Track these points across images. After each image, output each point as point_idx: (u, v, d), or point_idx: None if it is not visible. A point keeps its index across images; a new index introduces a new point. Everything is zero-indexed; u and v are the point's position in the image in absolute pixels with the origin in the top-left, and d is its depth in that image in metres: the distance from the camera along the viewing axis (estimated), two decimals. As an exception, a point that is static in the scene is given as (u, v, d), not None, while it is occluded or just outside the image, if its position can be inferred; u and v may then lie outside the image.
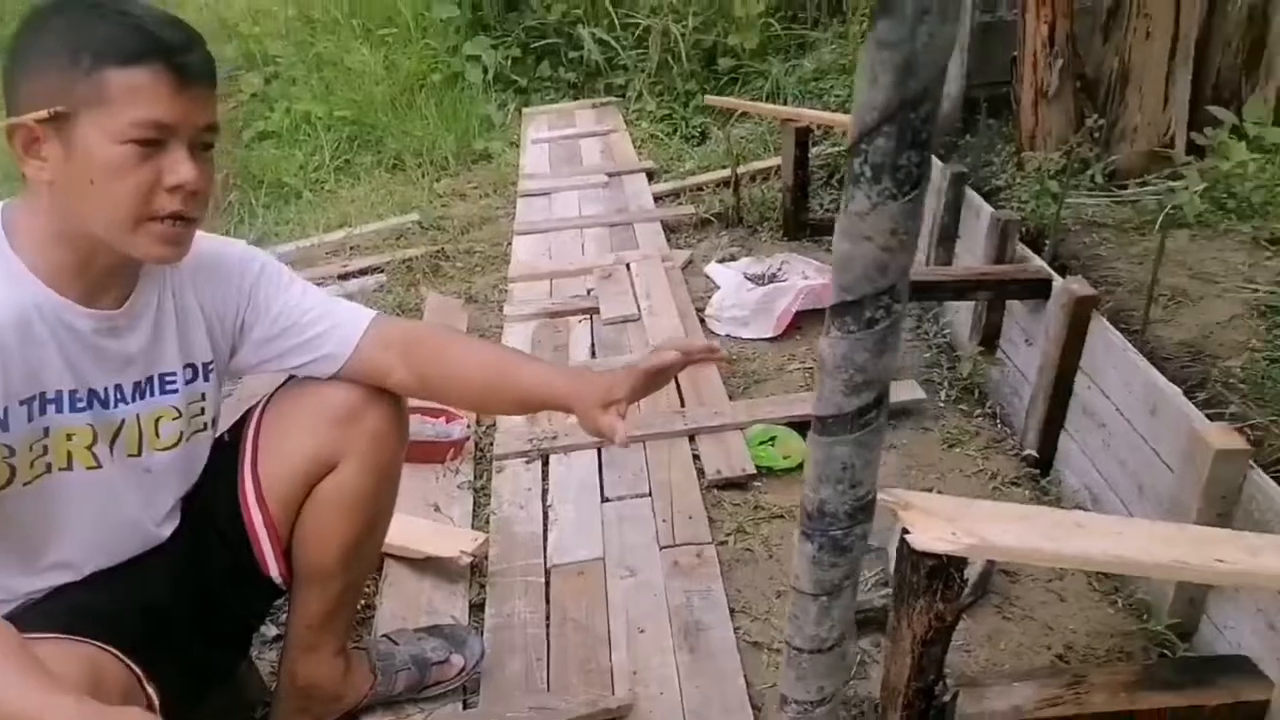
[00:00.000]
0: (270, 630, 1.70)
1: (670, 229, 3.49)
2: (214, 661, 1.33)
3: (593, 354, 2.67)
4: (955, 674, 1.29)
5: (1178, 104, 2.74)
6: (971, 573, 1.60)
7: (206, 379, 1.23)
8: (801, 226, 3.33)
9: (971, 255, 2.50)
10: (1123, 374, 1.79)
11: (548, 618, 1.72)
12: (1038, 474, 2.02)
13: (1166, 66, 2.73)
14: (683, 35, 4.70)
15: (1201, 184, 2.43)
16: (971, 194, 2.58)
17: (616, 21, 4.93)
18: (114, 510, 1.17)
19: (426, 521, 1.96)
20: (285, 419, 1.29)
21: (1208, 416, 1.59)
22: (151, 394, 1.17)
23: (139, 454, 1.17)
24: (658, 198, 3.78)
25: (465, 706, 1.55)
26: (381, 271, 3.30)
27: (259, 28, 5.42)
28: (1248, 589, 1.43)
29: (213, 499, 1.28)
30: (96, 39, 0.97)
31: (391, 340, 1.28)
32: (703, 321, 2.78)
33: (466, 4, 5.13)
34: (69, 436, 1.09)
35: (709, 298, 2.88)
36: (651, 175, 4.02)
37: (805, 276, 2.84)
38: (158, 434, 1.18)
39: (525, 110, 4.89)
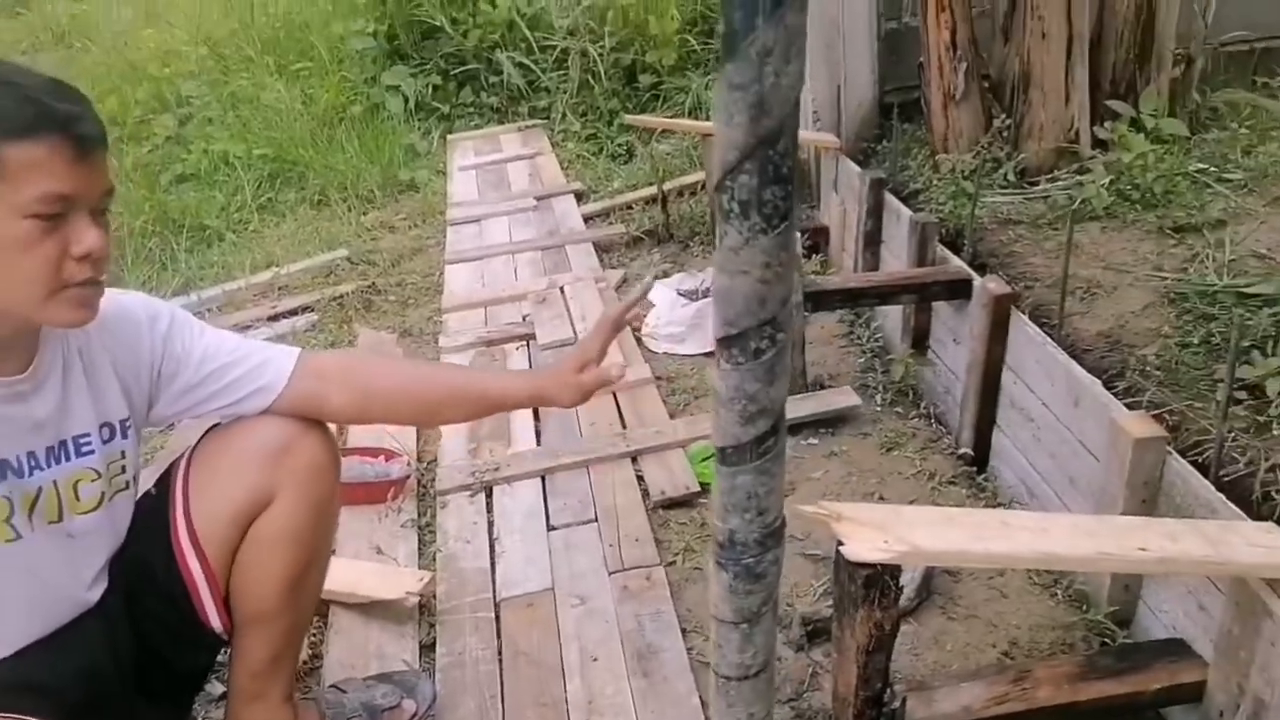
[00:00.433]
0: (216, 688, 1.66)
1: (602, 249, 3.50)
2: None
3: (531, 381, 2.66)
4: (905, 678, 1.32)
5: (1078, 100, 2.83)
6: (914, 576, 1.64)
7: (124, 436, 1.20)
8: (731, 239, 3.37)
9: (895, 258, 2.56)
10: (1045, 368, 1.84)
11: (499, 653, 1.71)
12: (974, 471, 2.07)
13: (1064, 64, 2.83)
14: (601, 55, 4.73)
15: (1106, 177, 2.52)
16: (891, 198, 2.64)
17: (535, 44, 4.94)
18: (39, 580, 1.13)
19: (370, 564, 1.93)
20: (214, 462, 1.27)
21: (1127, 405, 1.65)
22: (67, 458, 1.14)
23: (60, 520, 1.14)
24: (588, 218, 3.80)
25: (420, 751, 1.53)
26: (312, 310, 3.25)
27: (169, 68, 5.31)
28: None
29: (146, 554, 1.25)
30: None
31: (325, 369, 1.29)
32: (639, 340, 2.80)
33: (382, 34, 5.09)
34: None
35: (644, 316, 2.89)
36: (580, 196, 4.03)
37: (737, 289, 2.87)
38: (78, 497, 1.16)
39: (450, 137, 4.87)
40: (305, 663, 1.65)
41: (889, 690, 1.27)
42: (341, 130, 4.71)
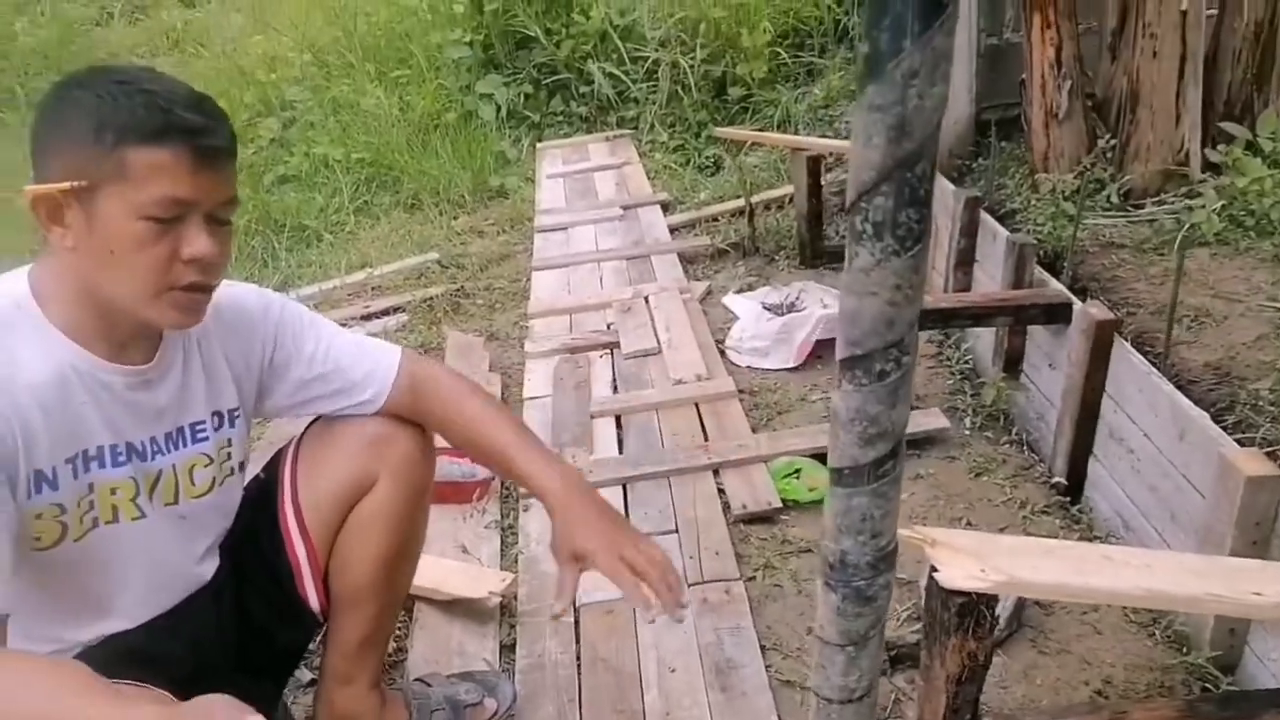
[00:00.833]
0: (305, 675, 1.72)
1: (687, 260, 3.51)
2: (255, 696, 1.35)
3: (614, 389, 2.69)
4: (992, 711, 1.28)
5: (1190, 121, 2.73)
6: (1005, 606, 1.59)
7: (232, 425, 1.26)
8: (818, 254, 3.35)
9: (990, 279, 2.50)
10: (1148, 398, 1.78)
11: (578, 657, 1.73)
12: (1068, 501, 2.00)
13: (1176, 84, 2.73)
14: (691, 67, 4.75)
15: (1219, 201, 2.43)
16: (987, 218, 2.58)
17: (625, 55, 4.99)
18: (158, 557, 1.20)
19: (455, 563, 1.97)
20: (321, 449, 1.34)
21: (1237, 441, 1.58)
22: (184, 444, 1.20)
23: (175, 502, 1.20)
24: (673, 229, 3.81)
25: (499, 749, 1.55)
26: (403, 311, 3.34)
27: (275, 74, 5.53)
28: (1286, 617, 1.41)
29: (254, 534, 1.32)
30: (120, 116, 1.00)
31: (420, 390, 1.34)
32: (723, 353, 2.79)
33: (478, 44, 5.21)
34: (113, 490, 1.12)
35: (728, 329, 2.89)
36: (666, 207, 4.05)
37: (824, 304, 2.85)
38: (192, 481, 1.22)
39: (539, 145, 4.95)
40: (391, 655, 1.70)
41: (978, 722, 1.24)
42: (436, 136, 4.83)
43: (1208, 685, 1.52)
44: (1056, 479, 2.04)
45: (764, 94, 4.65)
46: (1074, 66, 2.87)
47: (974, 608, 1.13)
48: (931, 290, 2.95)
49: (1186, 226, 2.39)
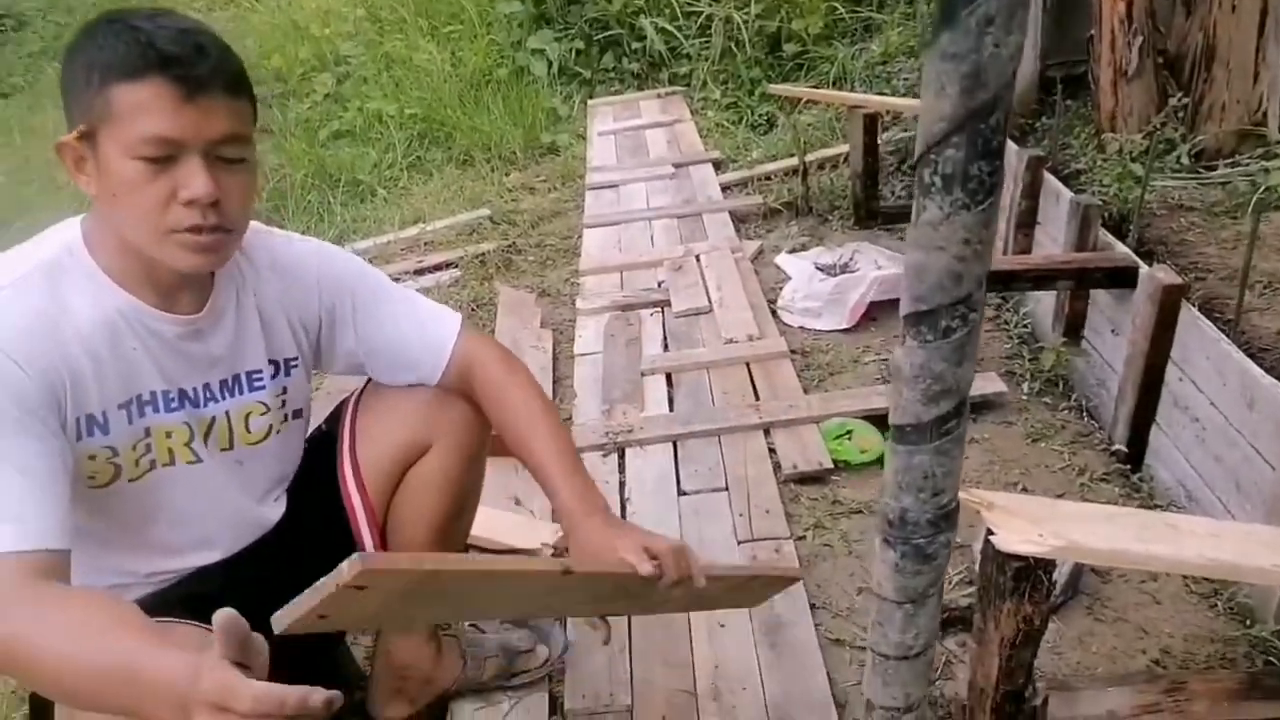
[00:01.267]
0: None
1: (739, 219, 3.48)
2: (313, 643, 1.40)
3: (665, 346, 2.69)
4: (1045, 677, 1.28)
5: (1269, 79, 2.62)
6: (1061, 572, 1.58)
7: (289, 374, 1.27)
8: (872, 214, 3.29)
9: (1052, 242, 2.44)
10: (1216, 365, 1.73)
11: (629, 611, 1.75)
12: (1128, 469, 1.97)
13: (1256, 40, 2.61)
14: (745, 22, 4.66)
15: (1297, 163, 2.33)
16: (1050, 178, 2.51)
17: (679, 10, 4.91)
18: (217, 500, 1.23)
19: (509, 513, 2.00)
20: (378, 406, 1.35)
21: (1309, 411, 1.53)
22: (240, 392, 1.22)
23: (230, 448, 1.22)
24: (725, 187, 3.77)
25: (551, 695, 1.59)
26: (455, 266, 3.36)
27: (329, 29, 5.54)
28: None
29: (315, 485, 1.35)
30: (104, 56, 0.99)
31: (470, 374, 1.33)
32: (774, 313, 2.78)
33: (530, -2, 5.17)
34: (168, 434, 1.15)
35: (780, 289, 2.87)
36: (718, 165, 4.00)
37: (878, 266, 2.81)
38: (248, 429, 1.23)
39: (590, 102, 4.91)
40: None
41: (1031, 687, 1.24)
42: (487, 92, 4.81)
43: (1271, 660, 1.49)
44: (1117, 446, 2.00)
45: (819, 50, 4.55)
46: (1145, 21, 2.76)
47: (1031, 572, 1.13)
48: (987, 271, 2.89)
49: (1262, 189, 2.30)
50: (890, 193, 3.47)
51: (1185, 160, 2.66)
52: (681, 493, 2.06)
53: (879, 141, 3.24)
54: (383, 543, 1.37)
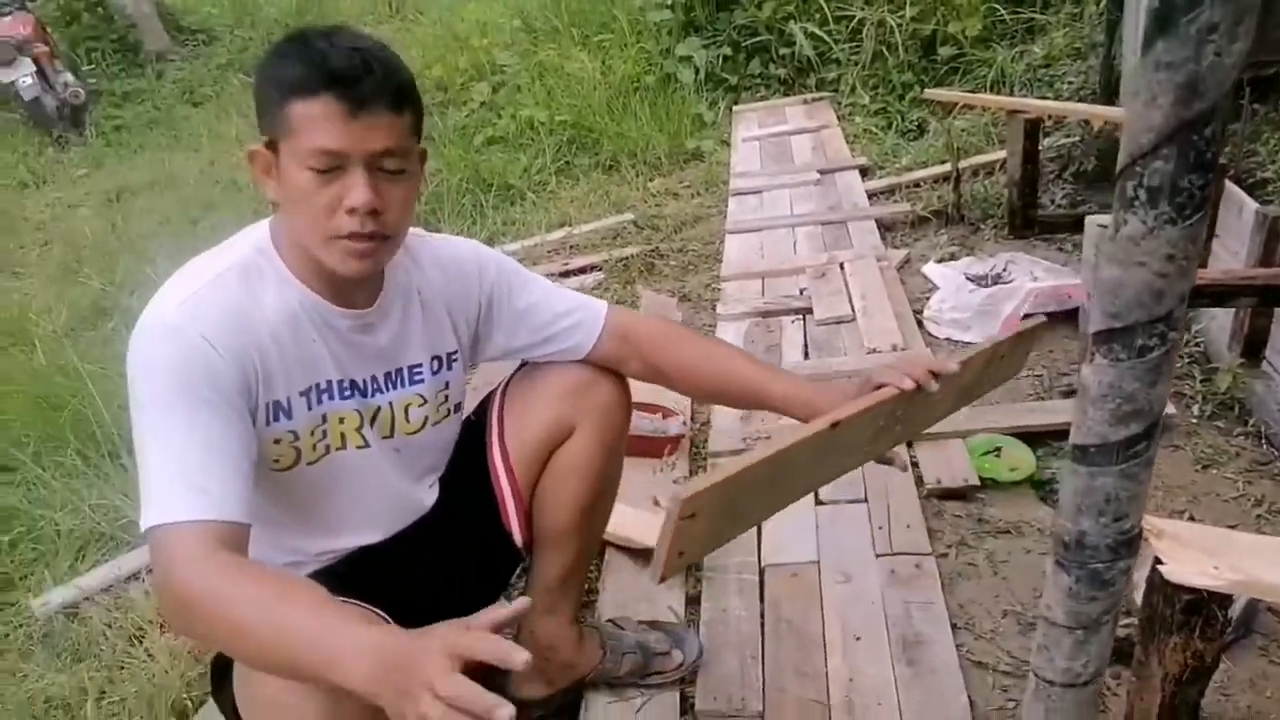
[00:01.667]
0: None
1: (885, 227, 3.41)
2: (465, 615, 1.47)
3: (805, 355, 2.67)
4: (1211, 717, 1.20)
5: None
6: (1235, 608, 1.47)
7: (449, 368, 1.35)
8: (1029, 224, 3.16)
9: (1231, 255, 2.28)
10: None
11: (762, 616, 1.75)
12: (1311, 502, 1.82)
13: None
14: (899, 25, 4.56)
15: None
16: (1232, 188, 2.34)
17: (829, 15, 4.85)
18: (380, 484, 1.31)
19: (647, 513, 2.03)
20: (525, 394, 1.42)
21: None
22: (402, 384, 1.30)
23: (391, 436, 1.31)
24: (872, 195, 3.70)
25: (682, 695, 1.60)
26: (599, 270, 3.44)
27: (487, 39, 5.77)
28: None
29: (466, 472, 1.42)
30: (284, 73, 1.07)
31: (631, 333, 1.39)
32: (920, 324, 2.70)
33: (679, 6, 5.22)
34: (341, 420, 1.24)
35: (927, 299, 2.79)
36: (865, 172, 3.93)
37: (1034, 278, 2.69)
38: (407, 419, 1.31)
39: (735, 108, 4.92)
40: (584, 595, 1.78)
41: (1196, 727, 1.16)
42: (635, 99, 4.90)
43: None
44: (1300, 478, 1.85)
45: (977, 53, 4.40)
46: (1352, 17, 2.53)
47: (1204, 606, 1.06)
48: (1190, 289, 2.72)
49: None
50: (1049, 201, 3.32)
51: (1393, 169, 2.43)
52: (819, 502, 2.04)
53: (1040, 148, 3.10)
54: (527, 523, 1.43)
